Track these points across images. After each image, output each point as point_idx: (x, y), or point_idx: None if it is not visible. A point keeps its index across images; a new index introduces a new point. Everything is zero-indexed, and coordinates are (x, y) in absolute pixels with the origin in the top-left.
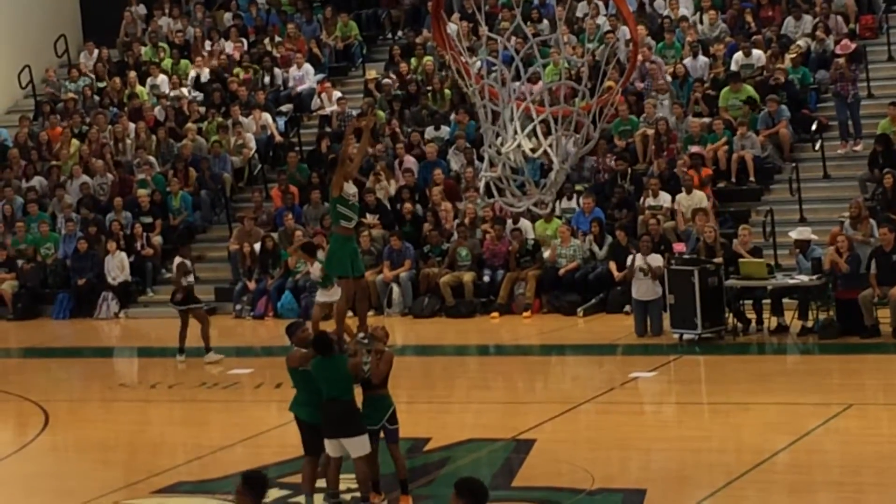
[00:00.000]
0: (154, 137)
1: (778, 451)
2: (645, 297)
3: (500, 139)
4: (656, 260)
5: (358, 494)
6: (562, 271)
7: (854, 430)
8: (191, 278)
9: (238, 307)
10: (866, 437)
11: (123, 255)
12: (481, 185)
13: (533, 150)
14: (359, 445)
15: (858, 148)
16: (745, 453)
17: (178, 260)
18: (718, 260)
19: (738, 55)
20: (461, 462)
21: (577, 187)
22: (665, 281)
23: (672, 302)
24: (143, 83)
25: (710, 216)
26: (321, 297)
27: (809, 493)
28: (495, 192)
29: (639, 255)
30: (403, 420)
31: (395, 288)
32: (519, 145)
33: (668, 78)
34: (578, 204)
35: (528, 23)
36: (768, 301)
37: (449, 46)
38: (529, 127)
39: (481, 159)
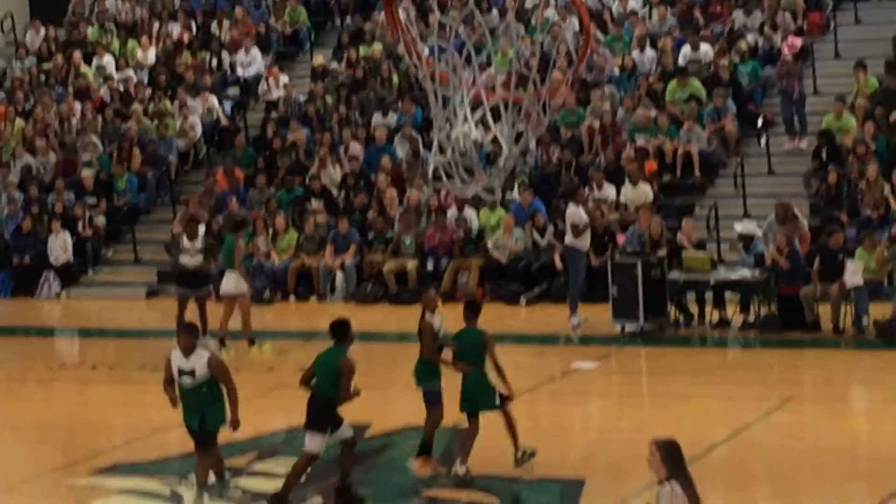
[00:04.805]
0: (100, 118)
1: (716, 444)
2: None
3: (449, 124)
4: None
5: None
6: (504, 260)
7: (792, 424)
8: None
9: None
10: (804, 432)
11: (67, 235)
12: (430, 169)
13: (482, 136)
14: (311, 441)
15: (803, 144)
16: (684, 445)
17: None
18: (662, 253)
19: (686, 49)
20: (401, 448)
21: (518, 181)
22: (609, 273)
23: (615, 294)
24: (89, 63)
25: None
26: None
27: (747, 487)
28: (444, 177)
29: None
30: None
31: (339, 274)
32: (468, 130)
33: (616, 71)
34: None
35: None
36: (711, 294)
37: (402, 29)
38: (480, 112)
39: (429, 146)
